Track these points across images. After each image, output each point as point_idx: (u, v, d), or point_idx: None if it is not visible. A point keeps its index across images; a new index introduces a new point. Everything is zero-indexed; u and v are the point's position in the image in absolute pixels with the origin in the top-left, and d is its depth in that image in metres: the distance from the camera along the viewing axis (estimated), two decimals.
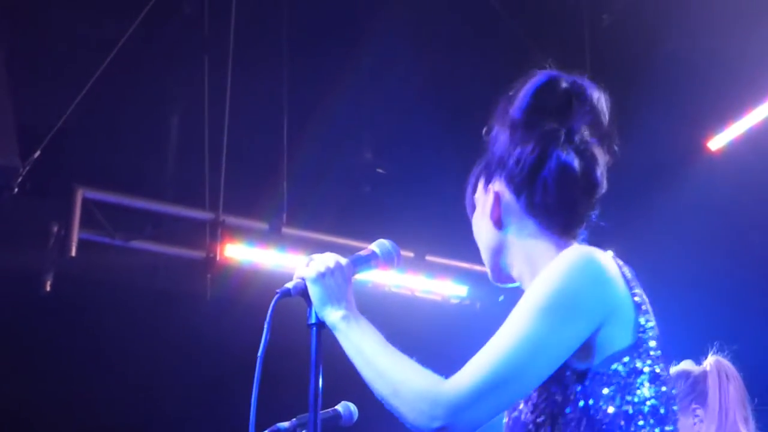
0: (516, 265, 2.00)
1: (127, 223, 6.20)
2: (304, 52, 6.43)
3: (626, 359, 1.81)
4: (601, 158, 1.98)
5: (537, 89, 1.97)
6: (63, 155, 5.90)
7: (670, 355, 2.01)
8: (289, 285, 2.04)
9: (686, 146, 6.75)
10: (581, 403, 1.79)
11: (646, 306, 1.88)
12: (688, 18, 6.16)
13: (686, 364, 3.29)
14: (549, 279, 1.80)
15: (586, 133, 1.97)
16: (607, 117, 2.00)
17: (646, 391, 1.81)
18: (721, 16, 5.96)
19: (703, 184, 6.52)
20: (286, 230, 6.41)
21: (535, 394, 1.84)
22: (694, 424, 3.17)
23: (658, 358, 1.85)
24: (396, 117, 6.82)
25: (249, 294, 6.17)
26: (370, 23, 6.41)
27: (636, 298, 1.86)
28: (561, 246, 1.93)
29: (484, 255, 2.06)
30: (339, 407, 2.84)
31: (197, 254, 6.32)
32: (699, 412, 3.18)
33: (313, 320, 2.00)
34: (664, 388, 1.84)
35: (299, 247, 6.34)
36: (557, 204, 1.95)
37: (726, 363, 3.26)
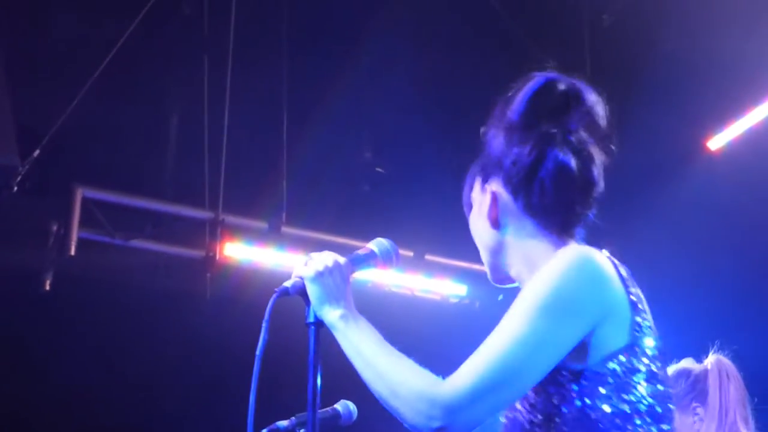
0: (514, 265, 2.01)
1: (127, 222, 6.20)
2: (303, 52, 6.43)
3: (622, 358, 1.81)
4: (598, 157, 1.99)
5: (534, 92, 1.98)
6: (62, 154, 5.90)
7: (669, 355, 2.01)
8: (288, 284, 2.04)
9: (686, 146, 6.75)
10: (578, 403, 1.79)
11: (643, 305, 1.89)
12: (687, 18, 6.17)
13: (687, 363, 3.28)
14: (546, 279, 1.80)
15: (583, 134, 1.97)
16: (604, 119, 2.01)
17: (642, 389, 1.81)
18: (721, 16, 5.96)
19: (702, 184, 6.53)
20: (285, 229, 6.41)
21: (531, 394, 1.84)
22: (694, 422, 3.17)
23: (654, 356, 1.85)
24: (395, 117, 6.81)
25: (248, 293, 6.16)
26: (370, 23, 6.41)
27: (632, 297, 1.86)
28: (559, 246, 1.93)
29: (483, 255, 2.07)
30: (338, 406, 2.84)
31: (197, 253, 6.32)
32: (699, 410, 3.17)
33: (311, 319, 2.00)
34: (660, 387, 1.84)
35: (298, 246, 6.34)
36: (555, 204, 1.95)
37: (727, 362, 3.26)
